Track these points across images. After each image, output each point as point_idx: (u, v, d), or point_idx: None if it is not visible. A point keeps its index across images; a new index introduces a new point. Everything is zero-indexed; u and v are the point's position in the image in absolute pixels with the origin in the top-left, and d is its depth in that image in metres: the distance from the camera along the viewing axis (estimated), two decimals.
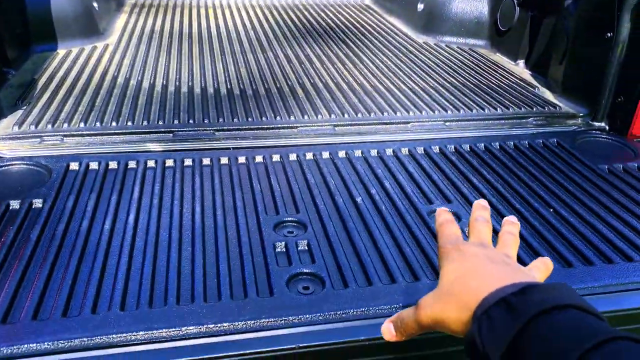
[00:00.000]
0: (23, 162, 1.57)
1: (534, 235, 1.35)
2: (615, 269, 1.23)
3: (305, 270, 1.17)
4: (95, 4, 2.83)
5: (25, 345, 0.94)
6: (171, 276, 1.14)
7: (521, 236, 1.33)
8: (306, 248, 1.26)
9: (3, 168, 1.54)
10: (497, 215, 1.43)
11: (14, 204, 1.37)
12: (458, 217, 1.40)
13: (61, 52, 2.53)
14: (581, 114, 2.13)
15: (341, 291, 1.11)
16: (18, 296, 1.07)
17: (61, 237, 1.24)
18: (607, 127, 2.08)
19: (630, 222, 1.41)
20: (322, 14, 3.45)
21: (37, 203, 1.38)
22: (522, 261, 1.25)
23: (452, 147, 1.79)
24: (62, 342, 0.96)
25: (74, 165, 1.56)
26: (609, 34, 1.99)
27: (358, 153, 1.73)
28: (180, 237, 1.27)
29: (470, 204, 1.47)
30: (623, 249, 1.30)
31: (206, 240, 1.26)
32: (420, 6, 3.18)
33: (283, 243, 1.26)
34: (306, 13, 3.46)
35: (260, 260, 1.20)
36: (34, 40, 2.52)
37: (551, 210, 1.46)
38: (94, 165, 1.57)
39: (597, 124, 2.09)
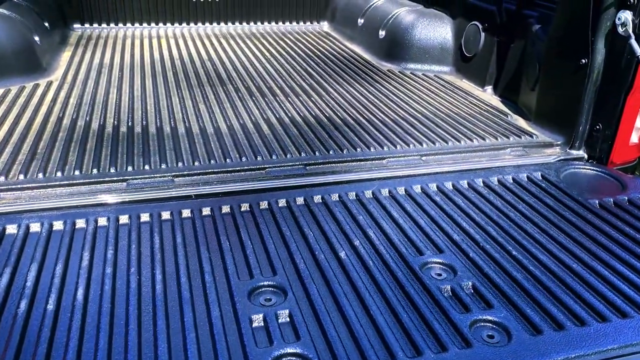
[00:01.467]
0: None
1: (536, 287, 1.23)
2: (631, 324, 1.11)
3: (289, 350, 1.01)
4: (36, 38, 2.62)
5: None
6: None
7: (523, 288, 1.21)
8: (288, 320, 1.10)
9: None
10: (495, 265, 1.30)
11: None
12: (453, 270, 1.26)
13: (0, 91, 2.31)
14: (558, 142, 2.05)
15: None
16: None
17: None
18: (585, 156, 2.00)
19: (635, 266, 1.31)
20: (282, 43, 3.32)
21: None
22: (524, 315, 1.12)
23: (434, 185, 1.67)
24: None
25: (11, 229, 1.35)
26: (583, 60, 1.93)
27: (335, 197, 1.58)
28: (139, 315, 1.08)
29: (464, 253, 1.34)
30: (635, 300, 1.19)
31: (170, 317, 1.08)
32: (382, 33, 3.10)
33: (261, 315, 1.09)
34: (264, 42, 3.33)
35: (234, 340, 1.03)
36: None
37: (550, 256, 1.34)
38: (35, 227, 1.36)
39: (575, 152, 2.02)
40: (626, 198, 1.64)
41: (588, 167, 1.87)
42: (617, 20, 1.83)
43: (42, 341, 1.01)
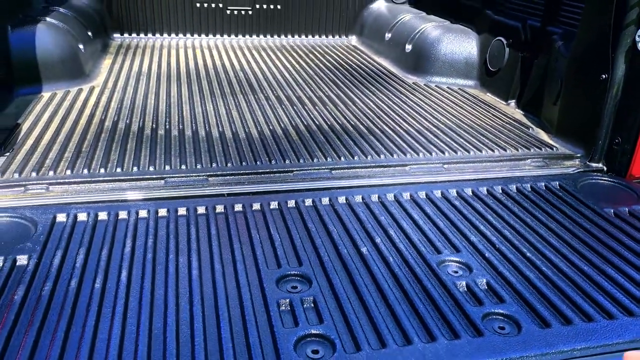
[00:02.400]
0: (6, 214, 1.48)
1: (547, 285, 1.29)
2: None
3: (313, 332, 1.10)
4: (81, 46, 2.78)
5: None
6: (169, 342, 1.05)
7: (534, 286, 1.27)
8: (312, 305, 1.19)
9: None
10: (509, 264, 1.37)
11: None
12: (469, 268, 1.34)
13: (46, 94, 2.46)
14: (578, 155, 2.11)
15: (354, 355, 1.04)
16: None
17: (48, 299, 1.15)
18: (605, 168, 2.06)
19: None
20: (311, 55, 3.44)
21: (22, 260, 1.29)
22: (534, 310, 1.19)
23: (454, 191, 1.75)
24: None
25: (61, 217, 1.47)
26: (604, 76, 1.99)
27: (359, 198, 1.67)
28: (177, 295, 1.18)
29: (480, 253, 1.41)
30: None
31: (205, 299, 1.18)
32: (409, 47, 3.19)
33: (287, 300, 1.18)
34: (294, 54, 3.45)
35: (264, 321, 1.12)
36: (18, 82, 2.45)
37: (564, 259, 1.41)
38: (82, 217, 1.48)
39: (594, 164, 2.07)
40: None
41: (606, 179, 1.92)
42: (637, 37, 1.90)
43: (90, 316, 1.11)
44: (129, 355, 1.02)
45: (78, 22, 2.98)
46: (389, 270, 1.32)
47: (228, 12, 3.66)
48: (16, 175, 1.71)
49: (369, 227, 1.50)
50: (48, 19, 2.72)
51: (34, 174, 1.72)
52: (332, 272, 1.29)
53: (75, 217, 1.48)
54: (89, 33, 3.04)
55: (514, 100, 2.69)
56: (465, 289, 1.27)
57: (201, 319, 1.12)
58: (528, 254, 1.41)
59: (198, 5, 3.59)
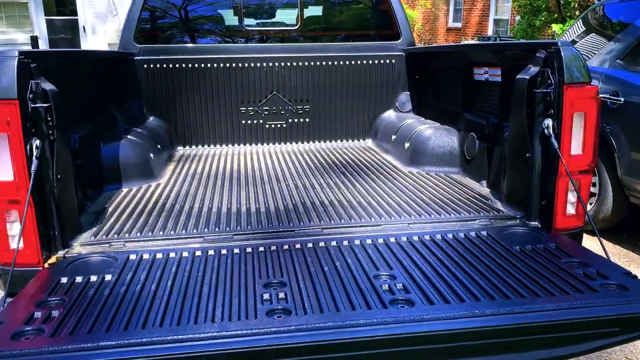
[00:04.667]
0: (100, 255, 2.28)
1: (445, 287, 1.91)
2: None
3: (280, 307, 1.77)
4: (151, 155, 3.72)
5: None
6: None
7: (435, 287, 1.90)
8: (283, 297, 1.86)
9: (86, 259, 2.25)
10: (423, 276, 2.01)
11: (93, 278, 2.05)
12: (393, 277, 1.99)
13: (125, 190, 3.36)
14: (519, 216, 2.72)
15: (316, 316, 1.71)
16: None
17: (122, 296, 1.90)
18: (539, 225, 2.65)
19: (519, 279, 1.97)
20: (331, 155, 4.27)
21: (108, 277, 2.06)
22: (427, 296, 1.81)
23: (405, 238, 2.41)
24: None
25: (132, 257, 2.25)
26: (528, 154, 2.65)
27: (334, 243, 2.36)
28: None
29: (406, 269, 2.06)
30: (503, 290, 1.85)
31: (211, 308, 1.89)
32: (407, 144, 3.96)
33: (268, 294, 1.87)
34: (317, 155, 4.29)
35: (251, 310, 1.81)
36: (106, 182, 3.37)
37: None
38: (146, 256, 2.25)
39: (532, 223, 2.67)
40: (542, 245, 2.29)
41: (523, 229, 2.53)
42: (543, 125, 2.57)
43: (146, 307, 1.84)
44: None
45: (150, 138, 3.96)
46: (340, 278, 1.98)
47: (267, 126, 4.60)
48: (104, 237, 2.52)
49: (334, 257, 2.18)
50: (129, 136, 3.70)
51: (115, 236, 2.53)
52: (301, 278, 1.98)
53: (141, 255, 2.25)
54: (158, 146, 4.00)
55: (485, 181, 3.35)
56: (387, 288, 1.91)
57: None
58: (439, 269, 2.04)
59: (243, 122, 4.56)
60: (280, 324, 1.66)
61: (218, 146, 4.59)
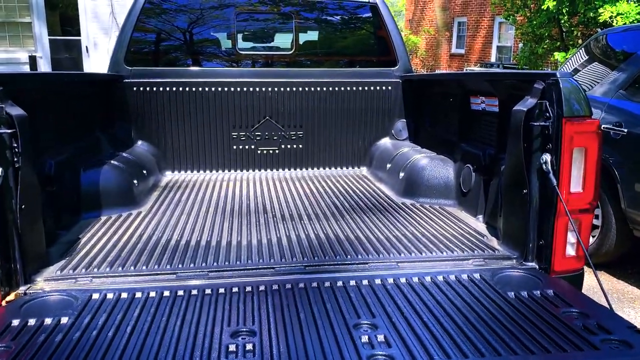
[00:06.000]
0: (59, 293, 2.11)
1: (430, 340, 1.74)
2: None
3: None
4: (135, 181, 3.57)
5: None
6: None
7: (419, 339, 1.73)
8: (251, 348, 1.69)
9: (44, 297, 2.08)
10: (407, 324, 1.83)
11: (47, 321, 1.88)
12: (375, 327, 1.81)
13: (103, 218, 3.20)
14: (515, 256, 2.55)
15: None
16: None
17: (75, 343, 1.73)
18: (536, 266, 2.48)
19: (515, 334, 1.79)
20: (323, 183, 4.11)
21: (64, 320, 1.89)
22: (410, 352, 1.64)
23: (392, 279, 2.24)
24: None
25: (95, 295, 2.08)
26: (524, 191, 2.49)
27: (315, 284, 2.19)
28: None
29: (389, 318, 1.89)
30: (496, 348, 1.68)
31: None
32: (402, 174, 3.81)
33: (234, 346, 1.70)
34: (310, 183, 4.13)
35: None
36: (84, 209, 3.22)
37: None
38: (110, 295, 2.09)
39: (529, 264, 2.50)
40: (539, 292, 2.11)
41: (518, 271, 2.35)
42: (541, 160, 2.42)
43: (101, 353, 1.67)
44: None
45: (136, 163, 3.82)
46: (316, 330, 1.81)
47: (259, 152, 4.46)
48: (70, 272, 2.36)
49: (312, 301, 2.01)
50: (113, 161, 3.55)
51: (82, 271, 2.37)
52: (274, 325, 1.81)
53: (105, 295, 2.09)
54: (144, 171, 3.86)
55: (481, 215, 3.19)
56: (367, 340, 1.74)
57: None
58: (424, 318, 1.87)
59: (235, 147, 4.42)
60: None
61: (208, 172, 4.44)
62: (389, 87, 4.50)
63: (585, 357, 1.64)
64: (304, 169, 4.54)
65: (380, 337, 1.76)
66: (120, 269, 2.39)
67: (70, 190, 3.14)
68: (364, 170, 4.57)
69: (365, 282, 2.23)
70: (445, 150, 3.80)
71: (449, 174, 3.56)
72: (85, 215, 3.20)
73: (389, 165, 4.11)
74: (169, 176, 4.36)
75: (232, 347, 1.69)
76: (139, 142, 4.26)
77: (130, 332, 1.79)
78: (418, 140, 4.42)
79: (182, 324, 1.85)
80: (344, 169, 4.59)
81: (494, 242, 2.77)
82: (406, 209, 3.37)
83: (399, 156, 4.06)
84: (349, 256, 2.52)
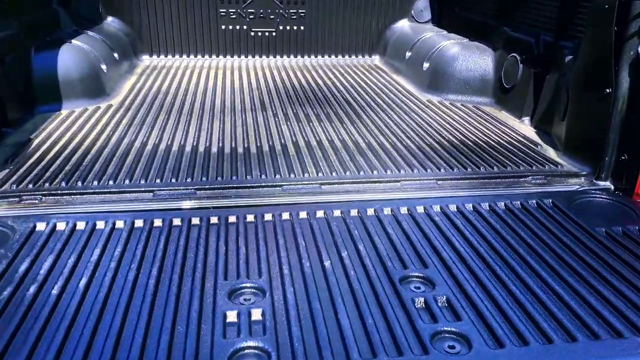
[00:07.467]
0: None
1: (513, 307, 1.23)
2: (602, 346, 1.10)
3: (251, 344, 1.08)
4: (103, 67, 2.90)
5: None
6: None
7: (498, 306, 1.22)
8: (260, 317, 1.17)
9: None
10: (476, 282, 1.32)
11: None
12: (432, 284, 1.30)
13: (64, 112, 2.58)
14: (584, 173, 2.01)
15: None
16: None
17: (6, 302, 1.19)
18: (612, 187, 1.95)
19: (624, 292, 1.28)
20: (330, 74, 3.46)
21: None
22: (491, 329, 1.13)
23: (438, 207, 1.70)
24: None
25: (40, 226, 1.53)
26: (607, 90, 1.91)
27: (337, 213, 1.65)
28: (128, 301, 1.20)
29: (448, 269, 1.36)
30: (612, 323, 1.17)
31: (156, 306, 1.19)
32: (426, 65, 3.16)
33: (235, 312, 1.17)
34: (314, 73, 3.48)
35: (207, 330, 1.12)
36: (38, 100, 2.58)
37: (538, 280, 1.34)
38: (61, 226, 1.53)
39: (602, 183, 1.97)
40: (637, 227, 1.59)
41: (604, 197, 1.82)
42: (639, 50, 1.81)
43: (39, 321, 1.14)
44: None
45: (105, 44, 3.12)
46: (348, 284, 1.29)
47: (252, 33, 3.74)
48: (14, 187, 1.78)
49: (339, 242, 1.48)
50: (74, 41, 2.86)
51: (30, 186, 1.79)
52: (289, 285, 1.27)
53: (54, 226, 1.53)
54: (115, 55, 3.17)
55: (527, 117, 2.61)
56: (423, 305, 1.23)
57: (144, 327, 1.12)
58: (499, 272, 1.35)
59: (224, 27, 3.69)
60: None
61: (192, 57, 3.74)
62: None
63: None
64: (305, 57, 3.85)
65: (442, 301, 1.24)
66: (79, 183, 1.82)
67: (19, 76, 2.48)
68: (376, 59, 3.89)
69: (403, 209, 1.69)
70: (481, 35, 3.13)
71: (487, 65, 2.92)
72: (42, 109, 2.57)
73: (408, 54, 3.45)
74: (146, 61, 3.66)
75: (231, 317, 1.17)
76: (109, 19, 3.52)
77: (83, 291, 1.25)
78: (444, 23, 3.71)
79: (159, 276, 1.31)
80: (353, 57, 3.90)
81: (550, 152, 2.22)
82: (434, 108, 2.78)
83: (422, 43, 3.38)
84: (375, 172, 1.97)
